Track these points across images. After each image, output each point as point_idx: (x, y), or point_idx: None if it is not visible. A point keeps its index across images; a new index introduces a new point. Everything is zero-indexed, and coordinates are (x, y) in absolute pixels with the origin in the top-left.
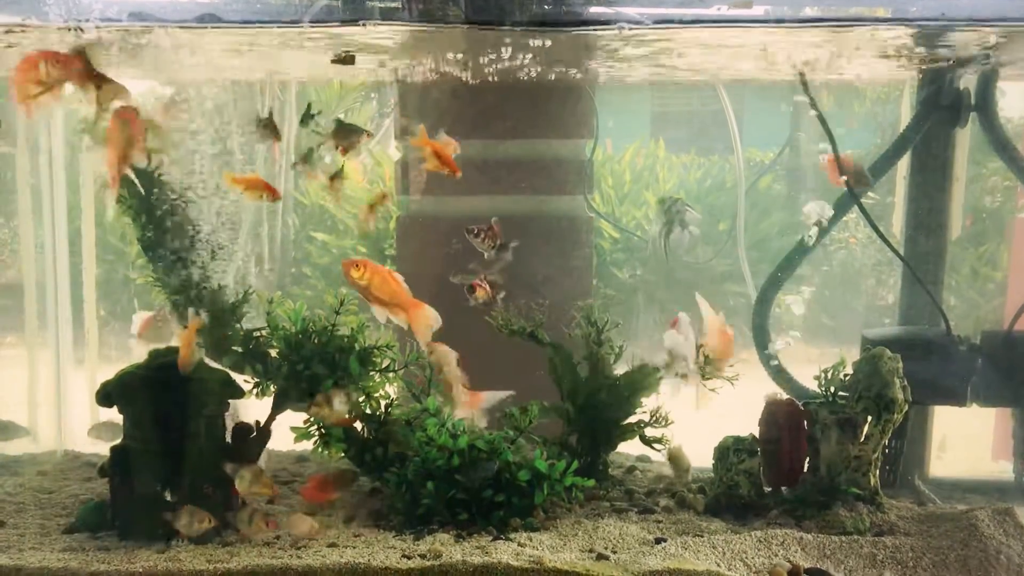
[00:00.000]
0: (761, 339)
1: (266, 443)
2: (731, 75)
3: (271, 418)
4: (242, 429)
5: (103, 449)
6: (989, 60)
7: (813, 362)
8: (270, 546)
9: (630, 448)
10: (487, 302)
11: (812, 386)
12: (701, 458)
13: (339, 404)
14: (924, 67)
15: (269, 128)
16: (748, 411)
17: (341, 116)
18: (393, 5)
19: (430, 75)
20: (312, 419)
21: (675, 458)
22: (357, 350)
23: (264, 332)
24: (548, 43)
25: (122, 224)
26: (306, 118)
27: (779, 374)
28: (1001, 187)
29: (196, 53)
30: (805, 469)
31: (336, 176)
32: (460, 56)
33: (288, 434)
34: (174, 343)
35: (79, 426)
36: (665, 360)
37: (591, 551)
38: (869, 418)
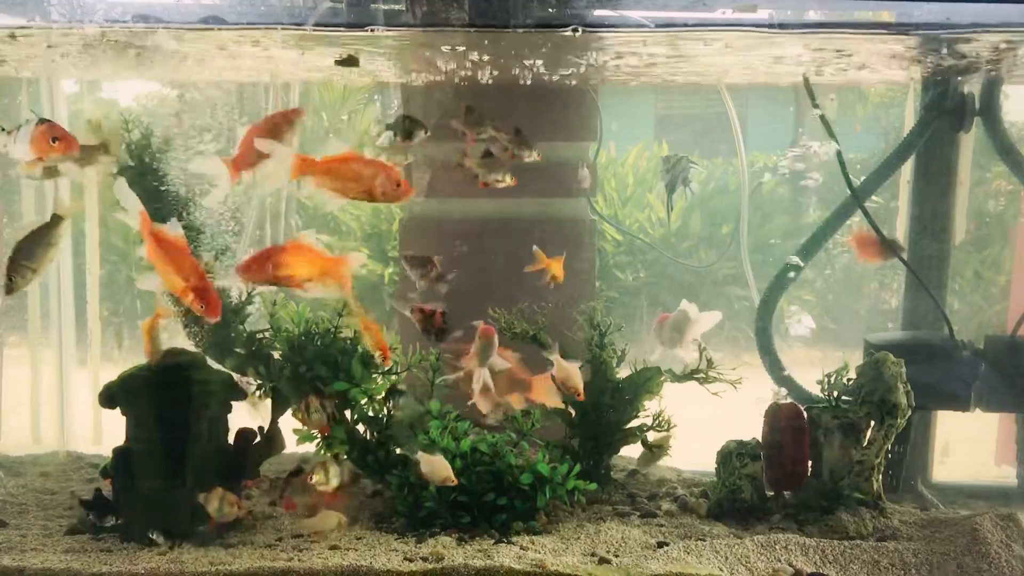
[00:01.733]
0: (764, 343)
1: (278, 451)
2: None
3: (274, 423)
4: (246, 434)
5: (105, 450)
6: (993, 65)
7: (816, 366)
8: (272, 548)
9: (633, 452)
10: (438, 330)
11: (815, 390)
12: (704, 461)
13: (315, 413)
14: (928, 71)
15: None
16: (751, 415)
17: (344, 118)
18: (397, 8)
19: (434, 77)
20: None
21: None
22: (360, 352)
23: (267, 334)
24: (551, 45)
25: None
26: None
27: (785, 381)
28: (1005, 191)
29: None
30: (808, 473)
31: None
32: (463, 58)
33: (290, 436)
34: (177, 343)
35: (81, 427)
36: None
37: (593, 555)
38: (872, 423)
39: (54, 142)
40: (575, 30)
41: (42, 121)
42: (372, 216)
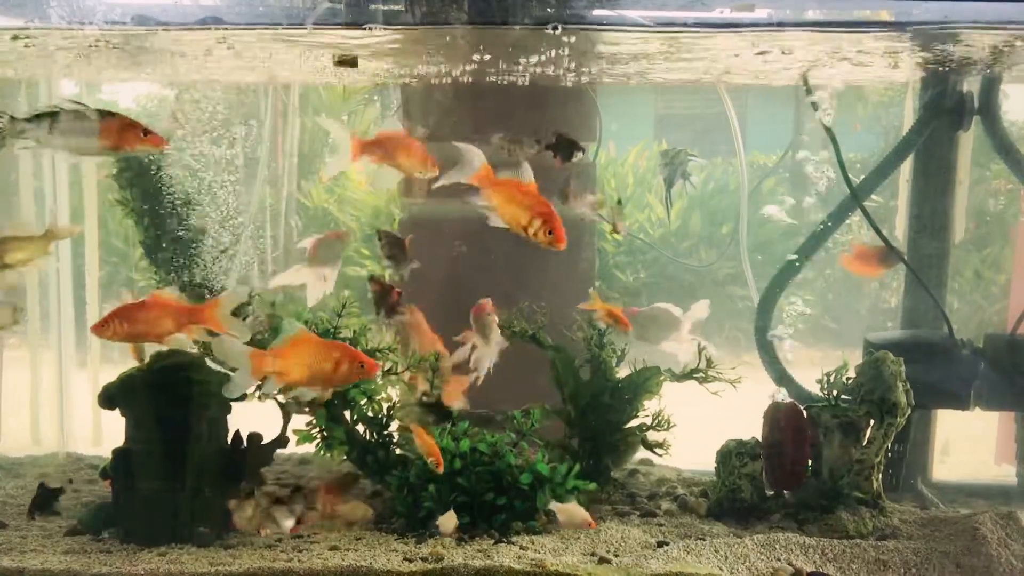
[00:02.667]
0: (764, 342)
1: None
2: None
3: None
4: (251, 437)
5: (105, 451)
6: (992, 63)
7: (816, 365)
8: (272, 548)
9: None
10: (389, 307)
11: (815, 389)
12: (703, 461)
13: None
14: (927, 70)
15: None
16: (751, 414)
17: (344, 118)
18: (396, 8)
19: (433, 77)
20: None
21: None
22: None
23: (265, 334)
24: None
25: (125, 226)
26: None
27: (782, 377)
28: (1005, 190)
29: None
30: (808, 473)
31: None
32: (463, 57)
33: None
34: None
35: (81, 429)
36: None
37: (593, 554)
38: (872, 422)
39: (145, 136)
40: (555, 28)
41: (108, 113)
42: (372, 217)
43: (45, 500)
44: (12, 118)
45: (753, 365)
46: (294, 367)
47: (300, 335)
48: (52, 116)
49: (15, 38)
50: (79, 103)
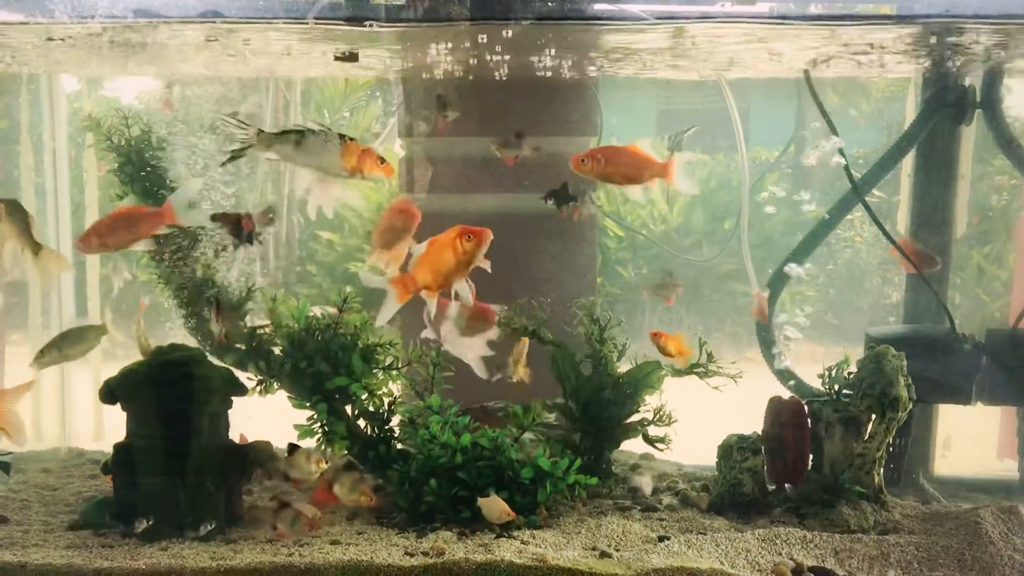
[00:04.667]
0: (765, 337)
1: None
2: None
3: None
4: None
5: (106, 446)
6: (994, 57)
7: (818, 360)
8: (273, 543)
9: (633, 446)
10: (248, 235)
11: (816, 384)
12: (705, 456)
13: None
14: (928, 64)
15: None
16: (752, 409)
17: (346, 114)
18: (398, 3)
19: (434, 73)
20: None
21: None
22: (360, 347)
23: (267, 329)
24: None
25: None
26: None
27: (784, 373)
28: (1008, 185)
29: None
30: (809, 467)
31: None
32: (463, 54)
33: (291, 431)
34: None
35: (83, 424)
36: None
37: (594, 549)
38: (873, 416)
39: (381, 163)
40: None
41: (348, 137)
42: (373, 213)
43: None
44: (260, 131)
45: (755, 361)
46: (428, 273)
47: (425, 245)
48: (299, 134)
49: (49, 39)
50: (323, 124)
